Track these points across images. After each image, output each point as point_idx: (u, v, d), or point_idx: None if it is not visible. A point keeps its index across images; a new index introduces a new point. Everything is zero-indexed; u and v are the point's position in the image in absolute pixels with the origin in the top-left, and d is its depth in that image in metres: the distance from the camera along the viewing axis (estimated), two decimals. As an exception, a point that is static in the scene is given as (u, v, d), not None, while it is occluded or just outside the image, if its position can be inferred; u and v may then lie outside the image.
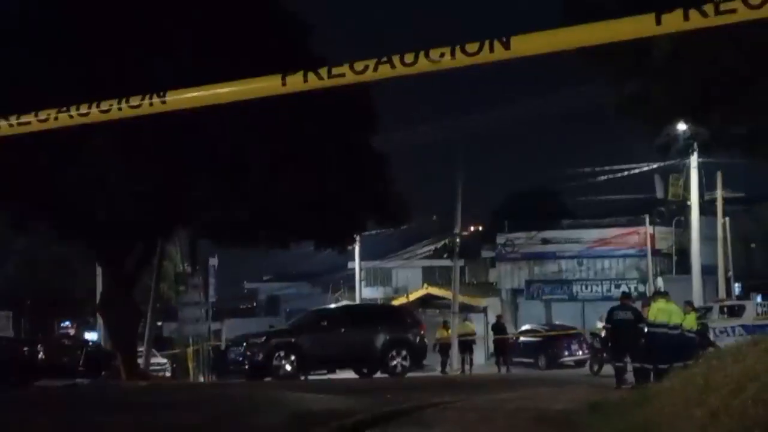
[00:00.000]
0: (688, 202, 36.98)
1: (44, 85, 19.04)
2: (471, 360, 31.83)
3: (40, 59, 20.33)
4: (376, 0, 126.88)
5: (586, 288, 45.06)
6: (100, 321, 34.13)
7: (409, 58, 3.43)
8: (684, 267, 39.99)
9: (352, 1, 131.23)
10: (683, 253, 41.03)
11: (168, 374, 37.59)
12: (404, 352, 24.59)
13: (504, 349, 32.75)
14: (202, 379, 33.07)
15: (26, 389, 20.50)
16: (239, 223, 25.53)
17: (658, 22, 3.17)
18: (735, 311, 30.83)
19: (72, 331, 49.42)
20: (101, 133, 18.47)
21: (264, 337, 24.23)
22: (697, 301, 31.94)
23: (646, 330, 18.67)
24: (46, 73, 19.89)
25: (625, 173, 41.18)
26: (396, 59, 3.44)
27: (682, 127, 28.82)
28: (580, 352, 33.26)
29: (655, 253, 43.78)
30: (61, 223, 24.89)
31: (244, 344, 24.42)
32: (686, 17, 3.13)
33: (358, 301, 47.39)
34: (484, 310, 45.71)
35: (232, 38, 21.25)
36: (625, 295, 20.90)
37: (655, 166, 38.73)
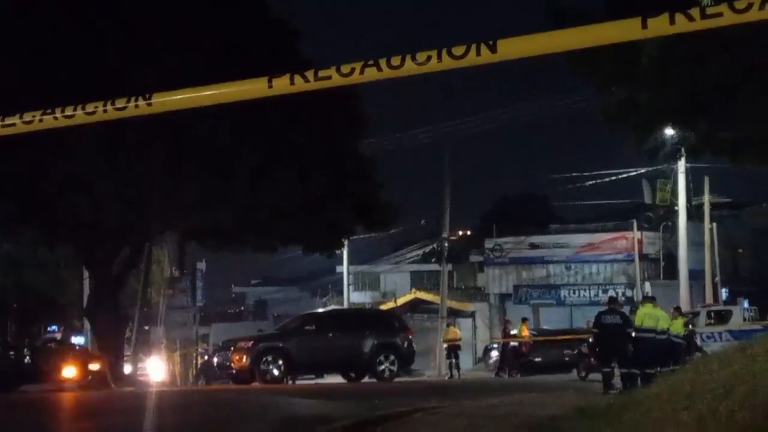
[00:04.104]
0: (676, 207, 37.09)
1: (26, 89, 19.00)
2: (458, 365, 31.73)
3: (20, 63, 20.24)
4: (365, 4, 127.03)
5: (574, 293, 45.11)
6: (87, 325, 34.01)
7: (395, 61, 3.42)
8: (671, 272, 40.08)
9: (341, 4, 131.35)
10: (671, 258, 41.14)
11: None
12: (392, 357, 24.55)
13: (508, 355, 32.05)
14: (189, 384, 32.97)
15: (11, 394, 20.38)
16: (226, 226, 25.50)
17: (644, 25, 3.16)
18: (722, 316, 30.92)
19: (59, 336, 49.20)
20: (87, 134, 18.41)
21: (251, 342, 24.17)
22: (685, 306, 32.03)
23: (633, 335, 18.68)
24: (28, 77, 19.83)
25: (613, 178, 41.36)
26: (382, 62, 3.43)
27: (669, 132, 28.93)
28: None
29: (643, 258, 43.88)
30: (47, 226, 24.80)
31: (232, 348, 24.35)
32: (672, 21, 3.12)
33: (346, 306, 47.34)
34: (472, 315, 45.72)
35: (217, 42, 21.24)
36: (613, 300, 20.92)
37: (642, 171, 38.89)
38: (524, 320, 32.01)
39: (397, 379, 24.51)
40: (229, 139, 21.30)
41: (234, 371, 24.04)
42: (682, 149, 27.29)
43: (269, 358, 23.34)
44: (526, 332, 30.91)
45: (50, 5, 20.88)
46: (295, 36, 24.15)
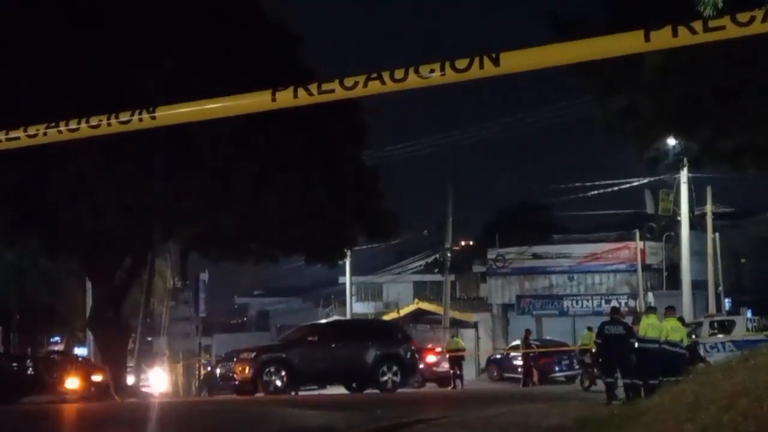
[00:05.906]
0: (678, 217, 37.06)
1: (29, 98, 19.04)
2: (461, 375, 31.67)
3: (19, 65, 20.29)
4: (369, 13, 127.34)
5: (577, 303, 45.06)
6: (90, 336, 34.00)
7: (398, 74, 3.42)
8: (674, 282, 40.03)
9: (344, 13, 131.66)
10: (673, 268, 41.09)
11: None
12: (395, 368, 24.51)
13: (531, 365, 31.80)
14: (192, 395, 32.91)
15: (14, 406, 20.37)
16: (227, 236, 25.53)
17: (647, 38, 3.17)
18: (725, 326, 30.84)
19: (61, 347, 49.19)
20: (88, 144, 18.43)
21: (254, 353, 24.15)
22: (688, 316, 31.98)
23: (636, 345, 18.64)
24: (31, 86, 19.87)
25: (616, 188, 41.36)
26: (386, 75, 3.44)
27: (671, 141, 28.94)
28: (562, 368, 33.14)
29: (646, 268, 43.84)
30: (48, 235, 24.80)
31: (235, 359, 24.33)
32: (675, 34, 3.12)
33: (348, 316, 47.28)
34: (475, 325, 45.66)
35: (219, 49, 21.30)
36: (615, 310, 20.87)
37: (645, 180, 38.87)
38: (590, 329, 32.36)
39: (399, 390, 24.47)
40: (230, 146, 21.34)
41: (237, 382, 24.01)
42: (684, 159, 27.30)
43: (272, 369, 23.31)
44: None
45: (49, 8, 20.92)
46: (295, 40, 24.23)
